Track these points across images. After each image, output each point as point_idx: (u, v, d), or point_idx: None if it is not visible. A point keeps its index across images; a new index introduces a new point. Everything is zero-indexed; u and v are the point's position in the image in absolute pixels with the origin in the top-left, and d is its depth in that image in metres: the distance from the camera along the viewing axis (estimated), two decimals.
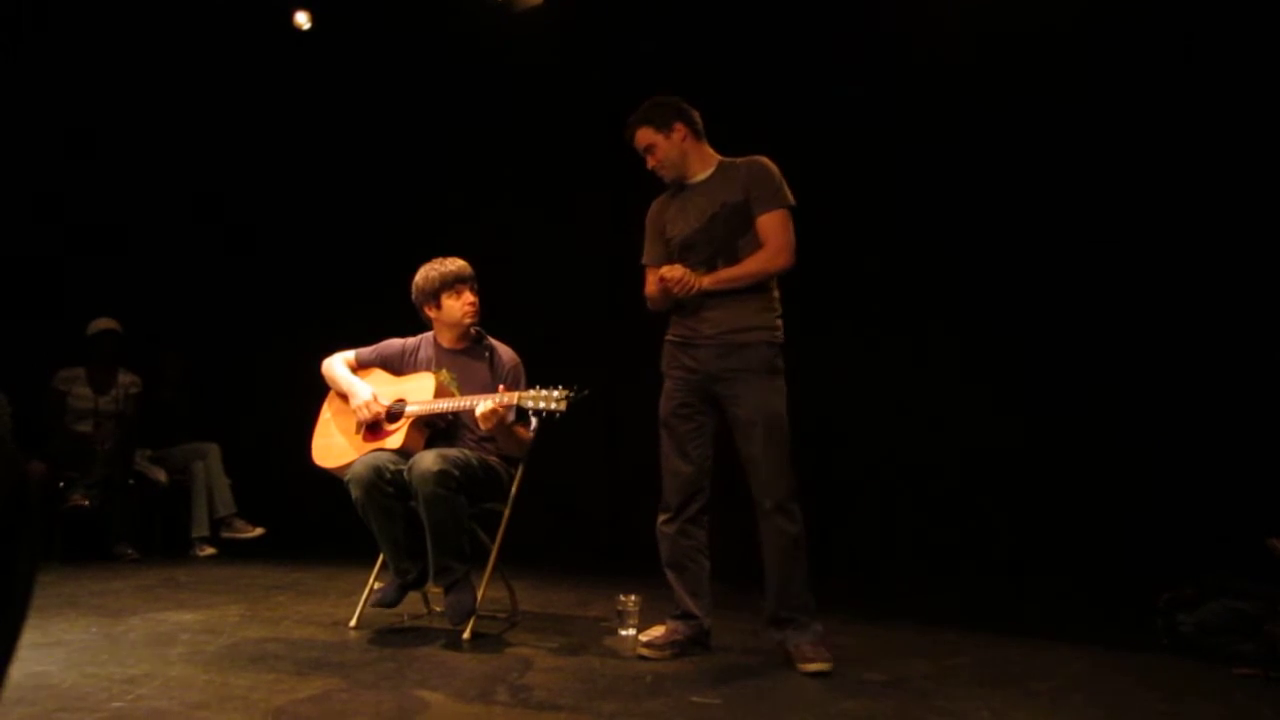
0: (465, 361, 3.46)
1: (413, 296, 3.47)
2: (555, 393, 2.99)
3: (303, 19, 5.73)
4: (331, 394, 3.51)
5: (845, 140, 4.68)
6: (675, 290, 2.94)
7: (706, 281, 2.95)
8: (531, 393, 3.03)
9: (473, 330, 3.49)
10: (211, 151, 6.05)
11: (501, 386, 3.17)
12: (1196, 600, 3.32)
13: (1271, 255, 3.93)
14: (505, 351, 3.51)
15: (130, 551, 4.99)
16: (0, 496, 0.93)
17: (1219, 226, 4.04)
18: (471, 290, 3.42)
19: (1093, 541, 4.20)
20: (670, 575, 3.08)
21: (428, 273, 3.42)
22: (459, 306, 3.40)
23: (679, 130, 3.08)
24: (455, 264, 3.43)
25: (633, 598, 3.30)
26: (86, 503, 4.86)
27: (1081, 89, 4.34)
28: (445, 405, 3.24)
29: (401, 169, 5.88)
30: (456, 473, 3.04)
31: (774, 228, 2.97)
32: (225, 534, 5.34)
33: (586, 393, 2.99)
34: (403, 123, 5.86)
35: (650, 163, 3.14)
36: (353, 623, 3.31)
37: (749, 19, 4.93)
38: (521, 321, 3.99)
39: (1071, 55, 4.35)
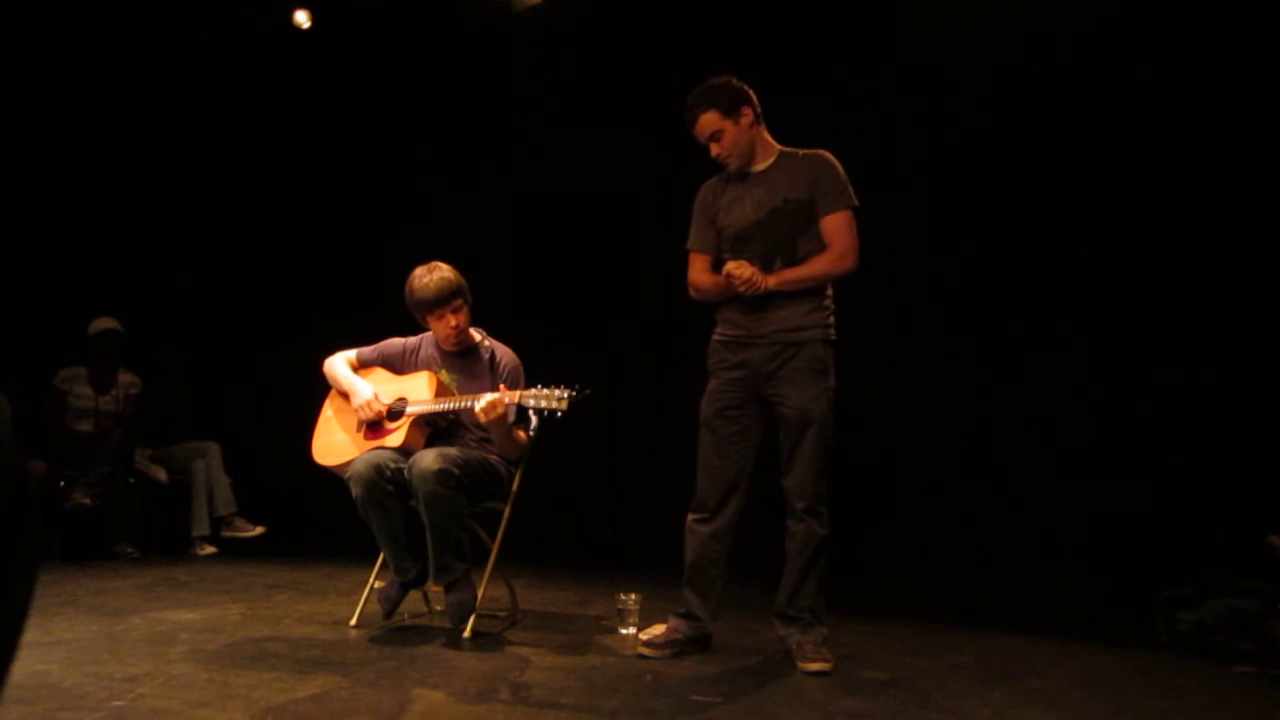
0: (465, 362, 3.46)
1: None
2: (556, 392, 2.99)
3: (302, 18, 5.73)
4: (332, 392, 3.52)
5: (856, 134, 4.67)
6: (742, 289, 2.89)
7: (773, 282, 2.90)
8: (533, 391, 3.03)
9: (473, 333, 3.49)
10: (212, 150, 6.05)
11: (502, 386, 3.17)
12: (1196, 598, 3.33)
13: (1270, 255, 3.92)
14: (505, 352, 3.50)
15: (131, 550, 4.99)
16: (1, 494, 0.93)
17: (1217, 227, 4.04)
18: (453, 312, 3.33)
19: (1092, 539, 4.20)
20: (688, 573, 3.06)
21: (410, 291, 3.34)
22: (442, 329, 3.37)
23: (747, 115, 2.97)
24: (435, 285, 3.29)
25: (633, 596, 3.30)
26: (87, 501, 4.85)
27: (1089, 82, 4.33)
28: (446, 404, 3.24)
29: (402, 167, 5.87)
30: (457, 471, 3.04)
31: (840, 229, 2.92)
32: (226, 533, 5.34)
33: (588, 392, 2.98)
34: (402, 121, 5.85)
35: (715, 150, 3.00)
36: (353, 621, 3.31)
37: (756, 14, 4.92)
38: (522, 321, 3.99)
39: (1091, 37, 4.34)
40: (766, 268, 2.93)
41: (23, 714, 2.16)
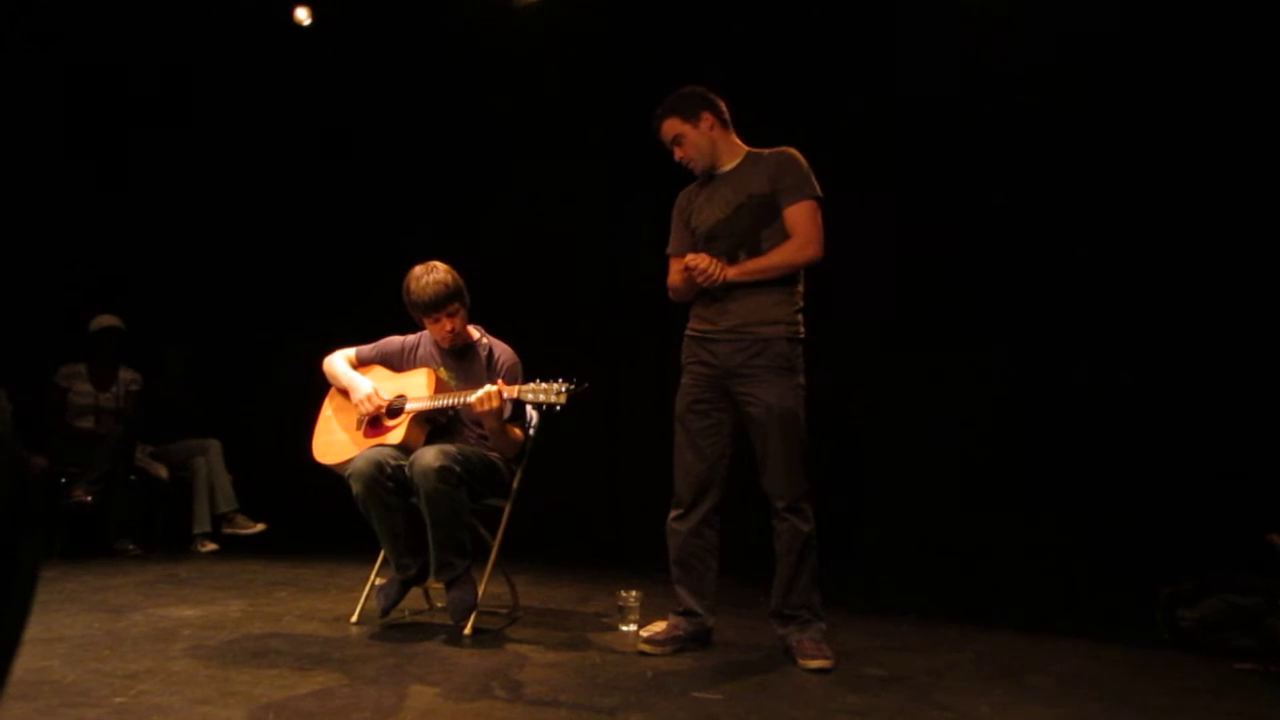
0: (463, 360, 3.46)
1: None
2: (554, 386, 2.99)
3: (303, 15, 5.73)
4: (332, 391, 3.52)
5: (848, 130, 4.68)
6: (700, 279, 2.91)
7: (732, 272, 2.91)
8: (531, 386, 3.03)
9: (471, 330, 3.49)
10: (212, 147, 6.05)
11: (500, 382, 3.17)
12: (1197, 595, 3.33)
13: (1270, 253, 3.92)
14: (503, 350, 3.50)
15: (132, 547, 5.00)
16: (2, 492, 0.93)
17: (1218, 224, 4.03)
18: (449, 316, 3.32)
19: (1093, 537, 4.20)
20: (676, 572, 3.07)
21: (407, 291, 3.33)
22: (438, 331, 3.38)
23: (706, 119, 3.03)
24: (431, 290, 3.27)
25: (633, 593, 3.31)
26: (88, 499, 4.86)
27: (1081, 88, 4.33)
28: (445, 401, 3.24)
29: (402, 166, 5.87)
30: (458, 468, 3.04)
31: (802, 219, 2.94)
32: (226, 530, 5.35)
33: (586, 386, 2.99)
34: (403, 119, 5.85)
35: (678, 154, 3.09)
36: (354, 618, 3.31)
37: (746, 11, 4.93)
38: (521, 318, 3.99)
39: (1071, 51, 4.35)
40: (732, 263, 2.96)
41: (25, 710, 2.16)
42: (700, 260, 2.90)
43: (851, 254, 3.26)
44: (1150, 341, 4.16)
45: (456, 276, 3.36)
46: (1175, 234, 4.11)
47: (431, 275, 3.31)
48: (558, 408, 2.99)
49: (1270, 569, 3.20)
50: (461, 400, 3.18)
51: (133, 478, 5.18)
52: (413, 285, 3.33)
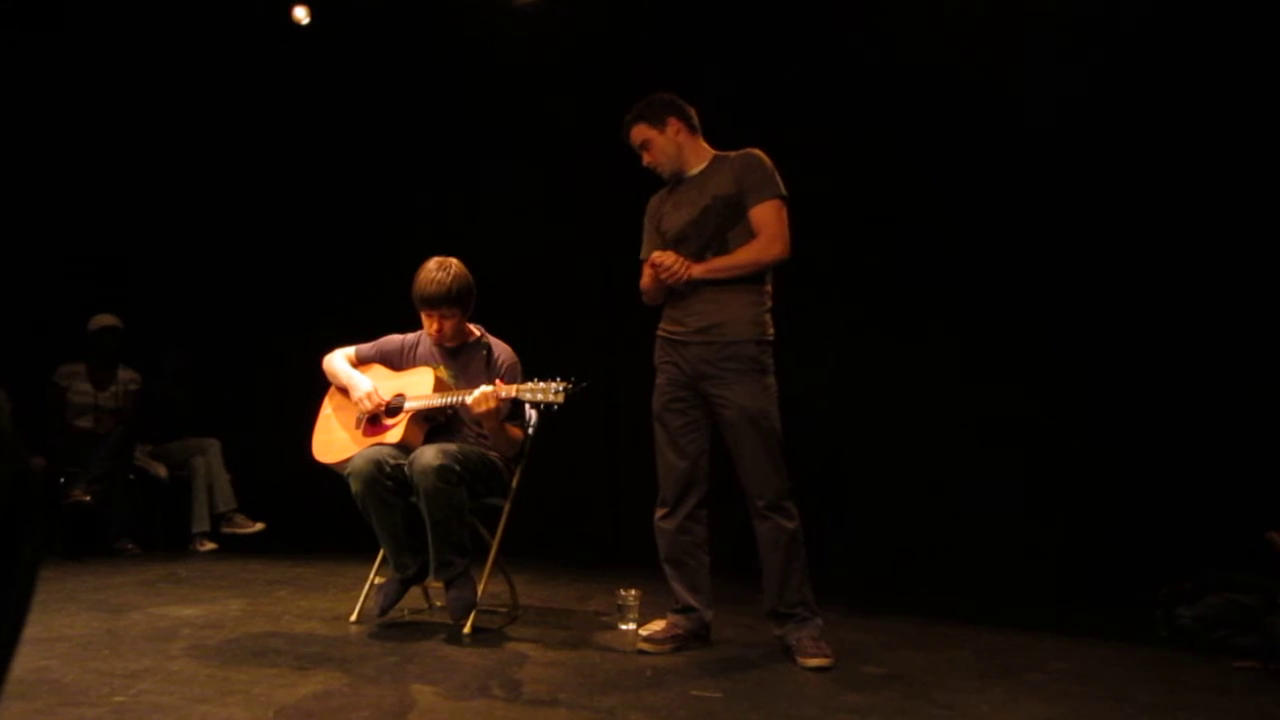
0: (462, 358, 3.46)
1: None
2: (553, 385, 2.99)
3: (301, 14, 5.73)
4: (332, 390, 3.52)
5: (843, 132, 4.68)
6: (665, 276, 2.93)
7: (698, 270, 2.93)
8: (529, 385, 3.04)
9: (471, 328, 3.49)
10: (213, 146, 6.05)
11: (499, 381, 3.17)
12: (1196, 593, 3.33)
13: (1269, 252, 3.92)
14: (503, 349, 3.50)
15: (131, 546, 5.00)
16: (3, 488, 0.93)
17: (1216, 222, 4.04)
18: (440, 318, 3.33)
19: (1093, 535, 4.20)
20: (669, 571, 3.08)
21: (416, 278, 3.34)
22: (429, 326, 3.39)
23: (673, 125, 3.07)
24: (431, 288, 3.28)
25: (633, 592, 3.31)
26: (87, 498, 4.85)
27: (1068, 84, 4.33)
28: (444, 400, 3.24)
29: (403, 165, 5.87)
30: (457, 467, 3.04)
31: (767, 217, 2.95)
32: (226, 529, 5.35)
33: (584, 385, 2.99)
34: (404, 119, 5.85)
35: (646, 159, 3.14)
36: (353, 618, 3.31)
37: (745, 13, 4.93)
38: (520, 317, 4.00)
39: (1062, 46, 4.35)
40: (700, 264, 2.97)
41: (24, 710, 2.16)
42: (666, 258, 2.92)
43: (842, 251, 3.26)
44: (1149, 340, 4.16)
45: (463, 284, 3.33)
46: (1173, 233, 4.11)
47: (439, 274, 3.30)
48: (556, 407, 3.00)
49: (1270, 567, 3.20)
50: (460, 399, 3.19)
51: (132, 477, 5.18)
52: (422, 275, 3.33)
